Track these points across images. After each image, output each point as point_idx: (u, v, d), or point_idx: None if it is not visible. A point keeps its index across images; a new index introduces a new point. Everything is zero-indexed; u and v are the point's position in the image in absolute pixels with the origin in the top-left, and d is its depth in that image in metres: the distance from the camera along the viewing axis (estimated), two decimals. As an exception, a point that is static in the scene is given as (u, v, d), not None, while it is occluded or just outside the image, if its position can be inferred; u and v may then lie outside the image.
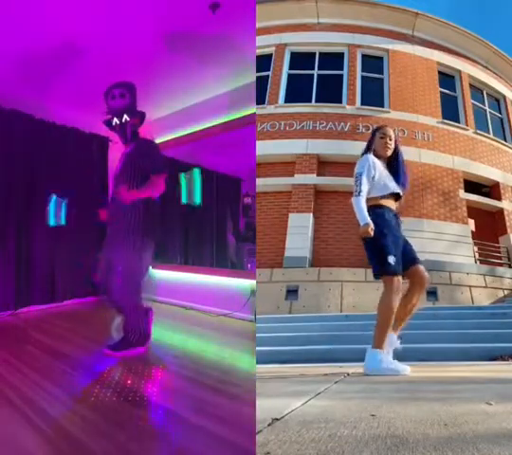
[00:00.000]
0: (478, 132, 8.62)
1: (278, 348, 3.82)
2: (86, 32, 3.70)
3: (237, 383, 2.49)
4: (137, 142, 3.15)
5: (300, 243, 7.10)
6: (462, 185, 7.97)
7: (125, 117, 3.08)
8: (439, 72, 8.85)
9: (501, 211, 8.36)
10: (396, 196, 2.62)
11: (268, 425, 1.22)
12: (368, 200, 2.52)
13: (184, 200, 4.09)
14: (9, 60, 4.08)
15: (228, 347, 3.42)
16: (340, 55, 8.62)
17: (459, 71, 9.08)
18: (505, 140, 9.22)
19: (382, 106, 8.18)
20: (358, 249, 2.68)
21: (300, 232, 7.19)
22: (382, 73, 8.57)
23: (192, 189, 4.11)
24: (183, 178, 4.12)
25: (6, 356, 2.90)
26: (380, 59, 8.69)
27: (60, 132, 5.33)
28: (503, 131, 9.45)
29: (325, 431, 1.13)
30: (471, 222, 8.01)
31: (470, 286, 6.92)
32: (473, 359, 3.19)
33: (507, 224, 8.25)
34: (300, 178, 7.55)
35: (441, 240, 7.29)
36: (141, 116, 3.19)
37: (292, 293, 6.54)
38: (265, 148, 7.36)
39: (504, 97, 9.79)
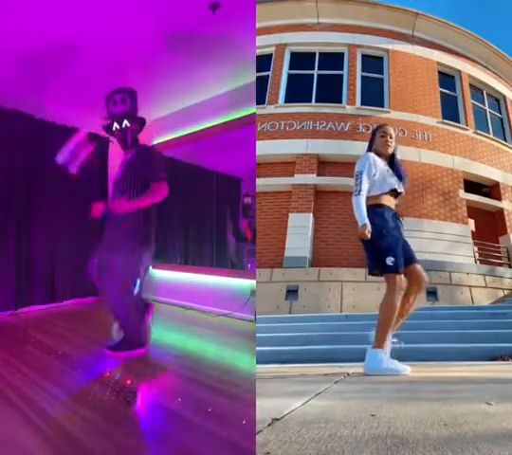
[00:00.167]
0: (478, 132, 8.62)
1: (278, 348, 3.82)
2: (86, 32, 3.70)
3: (237, 383, 2.49)
4: (138, 149, 3.14)
5: (300, 243, 7.10)
6: (462, 185, 7.96)
7: (125, 122, 3.07)
8: (439, 72, 8.85)
9: (501, 211, 8.35)
10: (397, 194, 2.62)
11: (268, 425, 1.22)
12: (368, 198, 2.53)
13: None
14: (9, 60, 4.08)
15: (228, 347, 3.42)
16: (340, 55, 8.62)
17: (459, 71, 9.08)
18: (505, 140, 9.21)
19: (382, 106, 8.18)
20: (358, 249, 2.68)
21: (300, 232, 7.19)
22: (382, 73, 8.57)
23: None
24: None
25: (6, 356, 2.90)
26: (380, 59, 8.68)
27: (60, 132, 5.32)
28: (503, 131, 9.45)
29: (325, 431, 1.13)
30: (471, 222, 8.00)
31: (470, 286, 6.92)
32: (473, 359, 3.19)
33: (507, 224, 8.24)
34: (300, 178, 7.55)
35: (441, 240, 7.29)
36: (142, 122, 3.19)
37: (292, 293, 6.54)
38: (265, 148, 7.36)
39: (504, 97, 9.79)
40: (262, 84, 8.04)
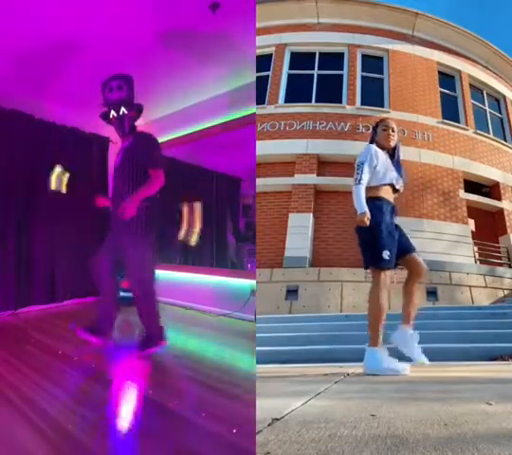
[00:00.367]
0: (478, 132, 8.62)
1: (278, 348, 3.82)
2: (86, 32, 3.70)
3: (237, 383, 2.49)
4: (135, 136, 3.10)
5: (300, 243, 7.10)
6: (462, 185, 7.96)
7: (123, 109, 3.03)
8: (439, 72, 8.85)
9: (501, 211, 8.35)
10: (395, 188, 2.62)
11: (268, 425, 1.22)
12: (368, 189, 2.53)
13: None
14: (8, 59, 4.08)
15: (228, 347, 3.42)
16: (340, 55, 8.62)
17: (459, 71, 9.08)
18: (505, 140, 9.21)
19: (382, 106, 8.17)
20: (358, 249, 2.68)
21: (300, 232, 7.19)
22: (382, 73, 8.56)
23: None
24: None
25: (6, 356, 2.90)
26: (380, 59, 8.68)
27: (60, 132, 5.33)
28: (503, 131, 9.45)
29: (325, 431, 1.13)
30: (471, 222, 8.00)
31: (470, 286, 6.92)
32: (473, 359, 3.19)
33: (507, 224, 8.24)
34: (300, 178, 7.55)
35: (441, 240, 7.29)
36: (139, 108, 3.15)
37: (292, 293, 6.54)
38: (265, 148, 7.36)
39: (504, 97, 9.79)
40: (262, 84, 8.04)
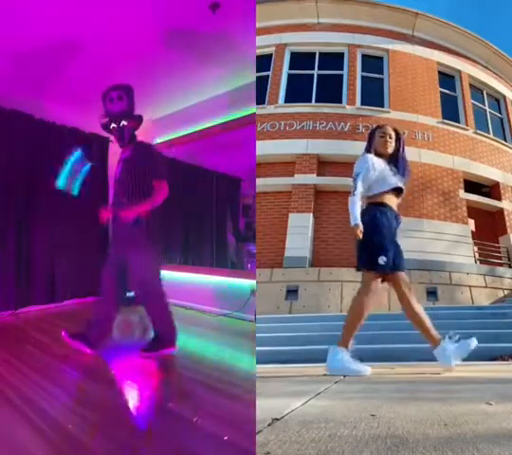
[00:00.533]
0: (478, 132, 8.61)
1: (278, 348, 3.82)
2: (86, 32, 3.70)
3: (237, 383, 2.49)
4: (135, 146, 3.13)
5: (300, 243, 7.10)
6: (462, 185, 7.96)
7: (123, 121, 3.06)
8: (439, 72, 8.85)
9: (501, 211, 8.35)
10: (398, 192, 2.62)
11: (268, 425, 1.22)
12: (371, 197, 2.53)
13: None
14: (8, 59, 4.08)
15: (228, 347, 3.42)
16: (340, 55, 8.61)
17: (459, 71, 9.08)
18: (505, 140, 9.21)
19: (382, 106, 8.17)
20: (355, 249, 2.67)
21: (300, 232, 7.19)
22: (382, 73, 8.56)
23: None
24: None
25: (6, 356, 2.90)
26: (380, 59, 8.68)
27: (60, 132, 5.33)
28: (503, 131, 9.44)
29: (325, 431, 1.13)
30: (471, 222, 8.00)
31: (470, 286, 6.92)
32: (473, 359, 3.19)
33: (507, 224, 8.24)
34: (300, 178, 7.55)
35: (441, 240, 7.29)
36: (139, 119, 3.18)
37: (292, 293, 6.54)
38: (265, 148, 7.35)
39: (504, 97, 9.79)
40: (262, 84, 8.04)
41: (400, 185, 2.60)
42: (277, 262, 6.99)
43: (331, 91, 8.30)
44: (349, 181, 2.62)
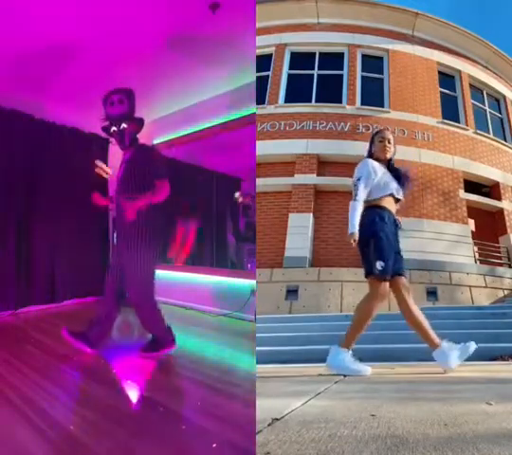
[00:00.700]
0: (478, 132, 8.61)
1: (278, 348, 3.82)
2: (87, 32, 3.70)
3: (237, 383, 2.49)
4: (136, 149, 3.15)
5: (300, 243, 7.10)
6: (462, 185, 7.96)
7: (123, 124, 3.07)
8: (439, 72, 8.85)
9: (501, 211, 8.35)
10: (397, 199, 2.62)
11: (268, 425, 1.22)
12: (370, 201, 2.53)
13: None
14: (8, 60, 4.08)
15: (228, 347, 3.42)
16: (340, 55, 8.61)
17: (459, 71, 9.08)
18: (505, 140, 9.21)
19: (382, 106, 8.17)
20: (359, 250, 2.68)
21: (300, 232, 7.19)
22: (382, 73, 8.56)
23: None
24: None
25: (6, 356, 2.90)
26: (380, 59, 8.68)
27: (60, 132, 5.33)
28: (503, 131, 9.44)
29: (325, 431, 1.13)
30: (471, 222, 8.00)
31: (470, 286, 6.92)
32: (473, 359, 3.19)
33: (507, 224, 8.24)
34: (300, 178, 7.55)
35: (441, 240, 7.29)
36: (140, 122, 3.19)
37: (292, 293, 6.54)
38: (265, 148, 7.35)
39: (504, 97, 9.79)
40: (262, 84, 8.04)
41: (397, 194, 2.59)
42: (277, 262, 6.99)
43: (331, 91, 8.30)
44: (349, 181, 2.63)
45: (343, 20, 8.68)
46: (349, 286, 6.43)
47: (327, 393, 1.77)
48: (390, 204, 2.57)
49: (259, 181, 6.82)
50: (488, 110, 9.34)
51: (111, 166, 3.56)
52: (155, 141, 5.87)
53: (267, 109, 8.03)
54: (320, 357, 3.46)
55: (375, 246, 2.43)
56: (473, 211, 8.03)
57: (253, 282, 4.60)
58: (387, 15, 8.69)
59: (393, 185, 2.58)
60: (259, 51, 7.72)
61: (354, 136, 7.64)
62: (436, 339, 2.46)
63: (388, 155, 2.66)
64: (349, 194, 2.55)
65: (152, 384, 2.59)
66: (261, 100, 8.00)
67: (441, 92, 8.66)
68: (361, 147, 2.82)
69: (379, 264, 2.40)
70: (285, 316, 5.80)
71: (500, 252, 8.07)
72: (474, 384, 2.02)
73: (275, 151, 7.60)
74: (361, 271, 2.58)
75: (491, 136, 8.87)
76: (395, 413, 1.33)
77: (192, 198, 5.80)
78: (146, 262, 3.00)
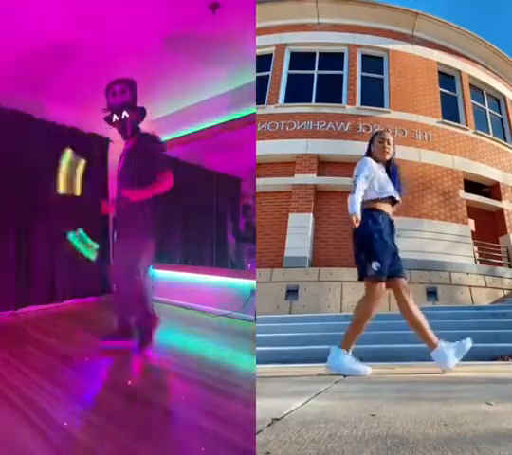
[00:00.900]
0: (478, 132, 8.62)
1: (278, 348, 3.82)
2: (87, 32, 3.70)
3: (237, 383, 2.49)
4: (138, 138, 3.13)
5: (300, 243, 7.10)
6: (462, 185, 7.97)
7: (124, 113, 3.07)
8: (439, 72, 8.85)
9: (501, 211, 8.35)
10: (393, 201, 2.63)
11: (268, 425, 1.22)
12: (365, 203, 2.54)
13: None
14: (8, 58, 4.08)
15: (228, 347, 3.42)
16: (340, 55, 8.62)
17: (459, 71, 9.08)
18: (505, 140, 9.22)
19: (382, 106, 8.18)
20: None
21: (300, 232, 7.19)
22: (382, 73, 8.57)
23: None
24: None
25: (6, 356, 2.89)
26: (380, 59, 8.68)
27: (60, 132, 5.33)
28: (503, 131, 9.45)
29: (325, 431, 1.13)
30: (471, 222, 8.00)
31: (470, 286, 6.92)
32: (473, 359, 3.19)
33: (507, 224, 8.25)
34: (300, 178, 7.55)
35: (441, 240, 7.29)
36: (142, 111, 3.19)
37: (292, 293, 6.54)
38: (265, 148, 7.36)
39: (504, 97, 9.79)
40: (262, 84, 8.04)
41: (396, 195, 2.60)
42: (277, 262, 6.99)
43: (331, 91, 8.30)
44: (349, 181, 2.63)
45: (343, 20, 8.69)
46: (349, 286, 6.43)
47: (327, 393, 1.77)
48: (385, 206, 2.57)
49: (259, 181, 6.82)
50: (488, 110, 9.34)
51: (111, 165, 3.57)
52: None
53: (267, 109, 8.03)
54: (320, 357, 3.46)
55: (370, 248, 2.43)
56: (473, 211, 8.03)
57: (253, 282, 4.60)
58: (387, 15, 8.70)
59: (390, 187, 2.59)
60: (259, 51, 7.72)
61: (354, 136, 7.65)
62: (435, 339, 2.47)
63: (387, 157, 2.66)
64: (349, 194, 2.56)
65: (151, 384, 2.58)
66: (261, 100, 8.01)
67: (441, 92, 8.67)
68: (361, 147, 2.81)
69: (375, 265, 2.40)
70: (285, 316, 5.80)
71: (500, 252, 8.08)
72: (474, 384, 2.02)
73: (275, 151, 7.60)
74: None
75: (491, 136, 8.87)
76: (395, 413, 1.33)
77: (192, 198, 5.80)
78: (138, 252, 2.98)
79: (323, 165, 7.71)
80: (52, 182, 4.14)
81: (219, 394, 2.30)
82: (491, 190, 8.57)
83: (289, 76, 8.54)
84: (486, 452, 0.93)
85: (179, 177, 3.14)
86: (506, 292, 7.16)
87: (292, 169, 7.64)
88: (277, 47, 8.66)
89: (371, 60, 8.68)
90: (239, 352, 3.25)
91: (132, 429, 1.88)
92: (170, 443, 1.78)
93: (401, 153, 2.86)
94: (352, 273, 6.97)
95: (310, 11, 8.65)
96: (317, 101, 8.22)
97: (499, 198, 8.39)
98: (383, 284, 2.46)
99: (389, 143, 2.67)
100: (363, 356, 2.48)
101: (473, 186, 8.23)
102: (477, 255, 7.76)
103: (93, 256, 3.39)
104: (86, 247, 3.38)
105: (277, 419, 1.28)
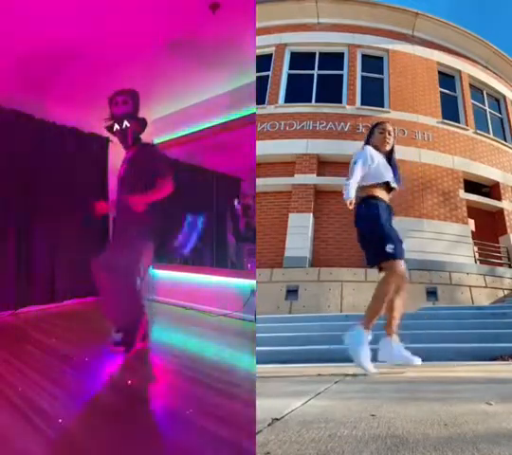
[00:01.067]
0: (478, 132, 8.61)
1: (278, 348, 3.82)
2: (87, 32, 3.70)
3: (237, 383, 2.49)
4: (139, 147, 3.21)
5: (300, 243, 7.10)
6: (462, 185, 7.96)
7: (125, 123, 3.14)
8: (439, 72, 8.85)
9: (501, 211, 8.35)
10: (390, 188, 2.63)
11: (268, 425, 1.22)
12: (363, 188, 2.55)
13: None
14: (8, 59, 4.08)
15: (228, 347, 3.42)
16: (340, 55, 8.61)
17: (459, 71, 9.08)
18: (505, 140, 9.21)
19: (382, 106, 8.18)
20: (358, 249, 2.68)
21: (300, 232, 7.19)
22: (382, 73, 8.56)
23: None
24: None
25: (6, 356, 2.89)
26: (380, 59, 8.68)
27: (60, 132, 5.33)
28: (503, 131, 9.44)
29: (325, 431, 1.13)
30: (471, 222, 8.00)
31: (470, 286, 6.92)
32: (473, 359, 3.20)
33: (507, 224, 8.24)
34: (300, 178, 7.55)
35: (441, 240, 7.29)
36: (143, 122, 3.26)
37: (292, 293, 6.54)
38: (265, 148, 7.35)
39: (504, 97, 9.79)
40: (262, 84, 8.04)
41: (394, 181, 2.62)
42: (277, 262, 6.99)
43: (331, 91, 8.30)
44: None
45: (343, 20, 8.68)
46: (349, 286, 6.43)
47: (327, 393, 1.77)
48: (381, 193, 2.59)
49: (259, 181, 6.81)
50: (488, 110, 9.34)
51: (111, 165, 3.60)
52: (156, 141, 5.87)
53: (267, 109, 8.03)
54: (320, 357, 3.47)
55: (379, 233, 2.45)
56: (473, 211, 8.03)
57: (253, 282, 4.60)
58: (387, 15, 8.70)
59: (389, 174, 2.60)
60: (259, 51, 7.72)
61: (354, 136, 7.64)
62: (394, 330, 2.50)
63: (387, 148, 2.68)
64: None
65: (151, 384, 2.59)
66: (261, 100, 8.00)
67: (441, 92, 8.66)
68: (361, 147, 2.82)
69: (390, 248, 2.42)
70: (285, 316, 5.80)
71: (500, 252, 8.08)
72: (474, 384, 2.02)
73: (275, 151, 7.60)
74: (361, 271, 2.60)
75: (491, 136, 8.87)
76: (395, 413, 1.33)
77: (192, 198, 5.80)
78: (135, 255, 3.01)
79: (323, 165, 7.71)
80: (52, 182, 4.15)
81: (219, 394, 2.30)
82: (491, 190, 8.56)
83: (289, 76, 8.54)
84: (486, 452, 0.93)
85: (179, 177, 3.16)
86: (506, 292, 7.16)
87: (292, 169, 7.64)
88: (277, 47, 8.66)
89: (371, 60, 8.68)
90: (239, 352, 3.25)
91: (132, 429, 1.88)
92: (170, 443, 1.78)
93: (401, 153, 2.87)
94: (352, 273, 7.01)
95: (310, 11, 8.64)
96: (317, 101, 8.22)
97: (499, 198, 8.38)
98: (402, 262, 2.45)
99: (390, 134, 2.69)
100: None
101: (473, 186, 8.23)
102: (477, 255, 7.76)
103: None
104: None
105: (277, 419, 1.28)
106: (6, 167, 4.75)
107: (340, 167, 7.30)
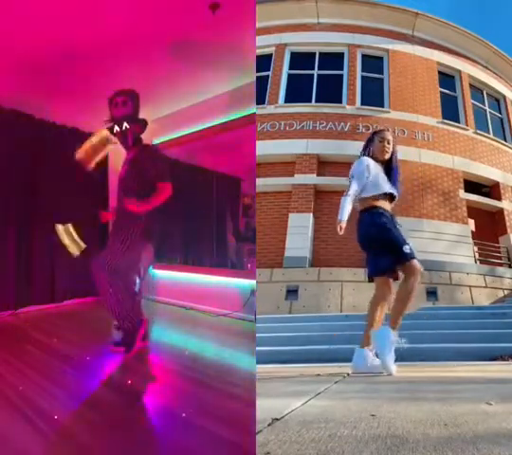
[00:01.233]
0: (478, 132, 8.61)
1: (278, 348, 3.82)
2: (87, 32, 3.69)
3: (237, 383, 2.49)
4: (139, 149, 3.20)
5: (300, 243, 7.09)
6: (462, 185, 7.96)
7: (125, 124, 3.13)
8: (439, 72, 8.84)
9: (501, 211, 8.35)
10: (391, 198, 2.64)
11: (268, 425, 1.22)
12: (363, 200, 2.58)
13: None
14: (8, 59, 4.08)
15: (228, 347, 3.42)
16: (340, 55, 8.61)
17: (459, 71, 9.07)
18: (505, 140, 9.21)
19: (382, 106, 8.17)
20: (358, 249, 2.69)
21: (300, 232, 7.19)
22: (382, 73, 8.56)
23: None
24: None
25: (6, 356, 2.90)
26: (380, 59, 8.68)
27: (60, 132, 5.33)
28: (503, 131, 9.44)
29: (325, 431, 1.13)
30: (471, 222, 8.00)
31: (470, 286, 6.92)
32: (473, 359, 3.19)
33: (507, 224, 8.24)
34: (300, 178, 7.55)
35: (441, 240, 7.29)
36: (143, 123, 3.25)
37: (292, 293, 6.54)
38: (265, 148, 7.35)
39: (504, 97, 9.79)
40: (262, 84, 8.03)
41: (393, 192, 2.63)
42: (277, 262, 6.99)
43: (331, 91, 8.29)
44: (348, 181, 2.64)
45: (343, 20, 8.68)
46: (349, 286, 6.43)
47: (327, 393, 1.78)
48: (383, 203, 2.60)
49: (259, 181, 6.81)
50: (488, 110, 9.34)
51: (111, 166, 3.60)
52: (156, 141, 5.87)
53: (267, 109, 8.02)
54: (320, 357, 3.47)
55: (394, 237, 2.47)
56: (473, 211, 8.02)
57: (253, 282, 4.60)
58: (387, 15, 8.69)
59: (387, 185, 2.61)
60: (259, 51, 7.72)
61: (354, 136, 7.64)
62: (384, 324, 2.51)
63: (386, 156, 2.68)
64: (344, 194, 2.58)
65: (152, 384, 2.59)
66: (261, 100, 8.00)
67: (441, 92, 8.66)
68: (361, 147, 2.82)
69: (407, 248, 2.45)
70: (285, 316, 5.80)
71: (500, 252, 8.07)
72: (474, 384, 2.02)
73: (275, 151, 7.60)
74: (361, 271, 2.61)
75: (491, 136, 8.87)
76: (395, 413, 1.33)
77: (192, 198, 5.80)
78: (135, 259, 3.04)
79: (323, 165, 7.71)
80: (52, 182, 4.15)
81: (219, 394, 2.30)
82: (491, 190, 8.56)
83: (289, 76, 8.53)
84: (486, 452, 0.93)
85: (179, 177, 3.17)
86: (506, 292, 7.16)
87: (292, 169, 7.63)
88: (277, 47, 8.66)
89: (371, 60, 8.67)
90: (239, 352, 3.25)
91: (132, 429, 1.88)
92: (170, 442, 1.78)
93: (401, 153, 2.87)
94: (352, 273, 7.01)
95: (310, 11, 8.64)
96: (317, 101, 8.22)
97: (499, 198, 8.38)
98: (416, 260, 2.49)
99: (389, 143, 2.68)
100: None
101: (473, 186, 8.23)
102: (477, 255, 7.76)
103: (76, 252, 3.40)
104: (72, 242, 3.40)
105: (277, 419, 1.28)
106: (6, 167, 4.75)
107: (340, 167, 7.30)
